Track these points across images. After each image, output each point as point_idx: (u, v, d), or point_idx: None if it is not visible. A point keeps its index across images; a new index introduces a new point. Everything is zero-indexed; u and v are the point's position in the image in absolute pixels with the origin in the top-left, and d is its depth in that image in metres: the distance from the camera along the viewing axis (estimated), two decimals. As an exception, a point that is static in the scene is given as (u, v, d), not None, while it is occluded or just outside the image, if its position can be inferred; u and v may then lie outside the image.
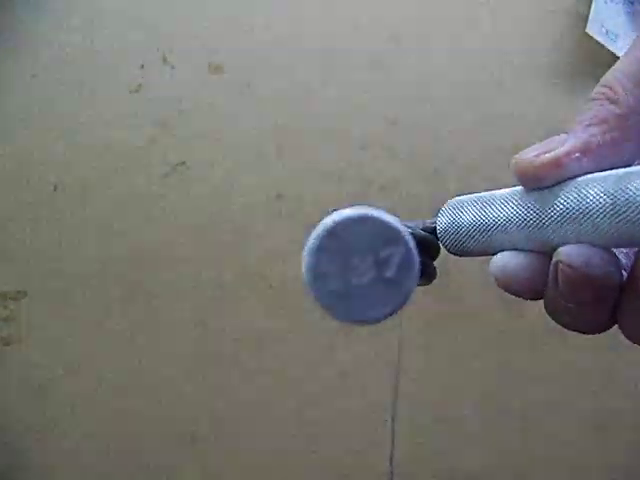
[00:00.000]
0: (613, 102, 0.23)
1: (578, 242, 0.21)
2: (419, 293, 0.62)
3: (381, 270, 0.17)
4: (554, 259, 0.22)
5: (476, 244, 0.25)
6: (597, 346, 0.64)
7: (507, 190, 0.25)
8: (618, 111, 0.23)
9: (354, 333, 0.66)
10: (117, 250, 0.68)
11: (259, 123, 0.66)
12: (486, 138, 0.65)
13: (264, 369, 0.67)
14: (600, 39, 0.60)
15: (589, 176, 0.21)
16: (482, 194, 0.26)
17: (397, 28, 0.66)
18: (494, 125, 0.64)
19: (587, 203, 0.20)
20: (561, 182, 0.22)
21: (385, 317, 0.17)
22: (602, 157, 0.22)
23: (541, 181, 0.23)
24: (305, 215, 0.66)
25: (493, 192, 0.26)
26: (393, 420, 0.67)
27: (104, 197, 0.68)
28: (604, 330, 0.24)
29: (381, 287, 0.17)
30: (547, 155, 0.23)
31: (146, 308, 0.68)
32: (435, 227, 0.28)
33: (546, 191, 0.23)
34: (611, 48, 0.60)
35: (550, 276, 0.23)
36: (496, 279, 0.25)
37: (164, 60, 0.67)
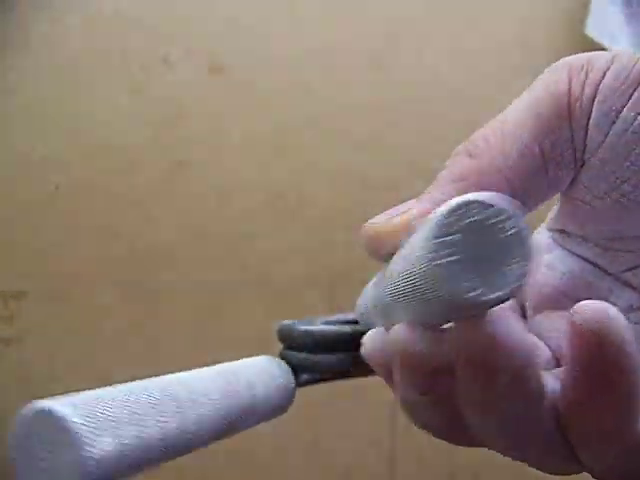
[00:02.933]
0: (473, 157, 0.21)
1: (410, 319, 0.19)
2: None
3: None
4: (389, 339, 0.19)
5: (379, 322, 0.23)
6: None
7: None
8: (476, 166, 0.20)
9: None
10: (117, 250, 0.68)
11: (259, 123, 0.66)
12: (486, 138, 0.65)
13: (264, 369, 0.67)
14: (599, 39, 0.60)
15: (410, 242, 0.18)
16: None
17: (397, 28, 0.66)
18: (494, 125, 0.64)
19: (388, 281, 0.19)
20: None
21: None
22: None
23: (382, 249, 0.20)
24: (305, 215, 0.66)
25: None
26: (393, 420, 0.67)
27: (104, 197, 0.68)
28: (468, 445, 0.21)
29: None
30: (397, 219, 0.20)
31: (146, 308, 0.68)
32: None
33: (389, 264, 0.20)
34: (610, 48, 0.60)
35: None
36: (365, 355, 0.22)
37: (164, 60, 0.67)
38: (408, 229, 0.19)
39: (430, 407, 0.20)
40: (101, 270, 0.68)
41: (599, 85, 0.18)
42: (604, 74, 0.18)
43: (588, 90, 0.18)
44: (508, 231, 0.15)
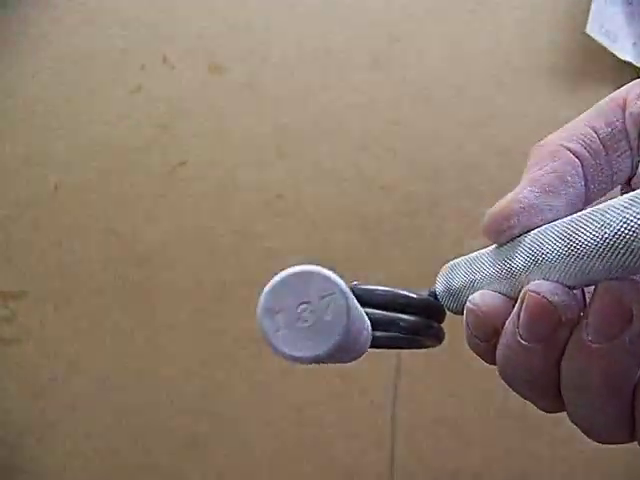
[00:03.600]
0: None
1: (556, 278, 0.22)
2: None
3: (320, 315, 0.20)
4: (522, 291, 0.23)
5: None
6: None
7: (488, 248, 0.26)
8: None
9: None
10: (117, 250, 0.68)
11: (259, 123, 0.66)
12: (486, 138, 0.65)
13: (264, 369, 0.67)
14: (600, 39, 0.60)
15: (543, 225, 0.23)
16: (469, 256, 0.28)
17: (397, 28, 0.66)
18: (494, 125, 0.64)
19: (545, 248, 0.22)
20: (522, 234, 0.23)
21: (315, 358, 0.20)
22: (547, 190, 0.23)
23: (499, 234, 0.23)
24: (305, 215, 0.66)
25: (478, 252, 0.27)
26: (393, 420, 0.67)
27: (104, 197, 0.68)
28: (552, 402, 0.25)
29: (317, 330, 0.20)
30: (495, 208, 0.23)
31: (146, 308, 0.68)
32: (435, 292, 0.30)
33: (513, 242, 0.24)
34: (610, 48, 0.60)
35: (515, 309, 0.23)
36: (468, 313, 0.26)
37: (164, 60, 0.67)
38: (507, 216, 0.22)
39: (536, 355, 0.23)
40: (101, 270, 0.68)
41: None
42: None
43: None
44: None
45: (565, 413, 0.25)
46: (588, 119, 0.23)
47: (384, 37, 0.66)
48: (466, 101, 0.65)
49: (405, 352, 0.67)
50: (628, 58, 0.60)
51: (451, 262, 0.29)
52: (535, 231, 0.23)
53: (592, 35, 0.60)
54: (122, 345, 0.68)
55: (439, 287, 0.30)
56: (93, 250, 0.68)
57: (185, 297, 0.67)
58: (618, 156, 0.23)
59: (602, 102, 0.23)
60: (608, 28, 0.60)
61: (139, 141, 0.67)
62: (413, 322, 0.29)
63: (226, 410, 0.68)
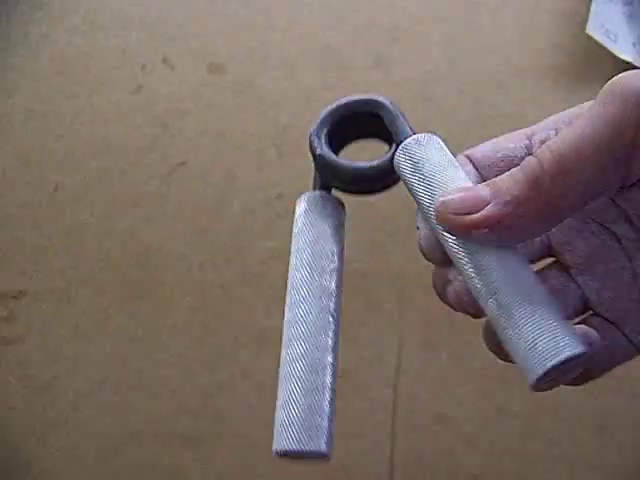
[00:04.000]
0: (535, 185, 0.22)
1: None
2: (419, 293, 0.62)
3: None
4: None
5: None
6: (597, 346, 0.64)
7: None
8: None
9: (354, 333, 0.66)
10: (117, 250, 0.68)
11: (259, 123, 0.66)
12: (486, 138, 0.65)
13: (264, 369, 0.67)
14: (600, 39, 0.60)
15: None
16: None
17: (397, 28, 0.66)
18: (494, 125, 0.64)
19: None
20: None
21: None
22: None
23: (468, 235, 0.23)
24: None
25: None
26: (393, 420, 0.67)
27: (104, 197, 0.68)
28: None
29: None
30: (474, 216, 0.22)
31: (146, 308, 0.68)
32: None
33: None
34: (611, 48, 0.60)
35: None
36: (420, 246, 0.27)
37: (164, 60, 0.67)
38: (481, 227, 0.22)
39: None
40: (101, 270, 0.68)
41: None
42: None
43: None
44: None
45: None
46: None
47: (384, 37, 0.66)
48: (466, 101, 0.65)
49: (405, 352, 0.66)
50: (628, 58, 0.60)
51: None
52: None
53: (592, 35, 0.60)
54: (122, 345, 0.68)
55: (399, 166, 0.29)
56: (93, 250, 0.68)
57: (185, 297, 0.67)
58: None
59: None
60: (608, 28, 0.60)
61: (139, 141, 0.67)
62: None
63: (226, 410, 0.68)
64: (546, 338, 0.21)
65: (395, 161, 0.28)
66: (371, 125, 0.29)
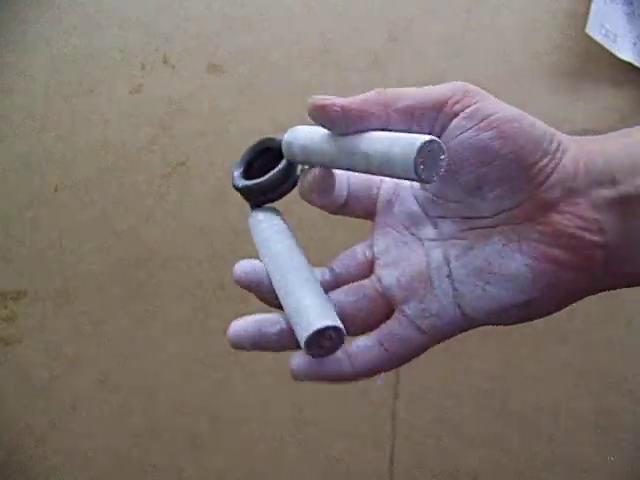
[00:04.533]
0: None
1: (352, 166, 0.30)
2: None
3: None
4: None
5: (302, 159, 0.34)
6: (597, 346, 0.64)
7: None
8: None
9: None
10: (117, 250, 0.68)
11: (259, 123, 0.66)
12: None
13: (264, 369, 0.67)
14: (600, 39, 0.60)
15: (373, 134, 0.30)
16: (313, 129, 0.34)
17: (397, 28, 0.66)
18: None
19: (369, 151, 0.29)
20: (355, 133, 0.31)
21: None
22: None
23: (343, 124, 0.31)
24: (304, 215, 0.66)
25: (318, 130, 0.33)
26: (393, 420, 0.67)
27: (104, 197, 0.68)
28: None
29: None
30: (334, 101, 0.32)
31: (146, 308, 0.68)
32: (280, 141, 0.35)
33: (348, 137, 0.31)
34: (610, 48, 0.60)
35: None
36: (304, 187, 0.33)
37: (164, 60, 0.67)
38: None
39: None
40: (101, 270, 0.68)
41: (458, 113, 0.29)
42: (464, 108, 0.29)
43: (456, 108, 0.30)
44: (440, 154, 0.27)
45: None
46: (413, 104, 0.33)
47: (383, 37, 0.66)
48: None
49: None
50: (628, 58, 0.60)
51: (299, 127, 0.36)
52: (367, 135, 0.31)
53: (592, 35, 0.60)
54: (122, 345, 0.68)
55: (285, 142, 0.36)
56: (93, 250, 0.68)
57: (185, 297, 0.67)
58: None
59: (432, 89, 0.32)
60: (608, 28, 0.60)
61: (139, 141, 0.67)
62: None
63: (226, 410, 0.68)
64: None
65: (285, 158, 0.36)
66: (274, 151, 0.37)
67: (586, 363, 0.65)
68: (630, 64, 0.60)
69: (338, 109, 0.31)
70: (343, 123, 0.31)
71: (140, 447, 0.69)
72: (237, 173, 0.38)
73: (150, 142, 0.67)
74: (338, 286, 0.32)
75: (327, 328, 0.27)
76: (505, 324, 0.30)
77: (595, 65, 0.63)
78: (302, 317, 0.28)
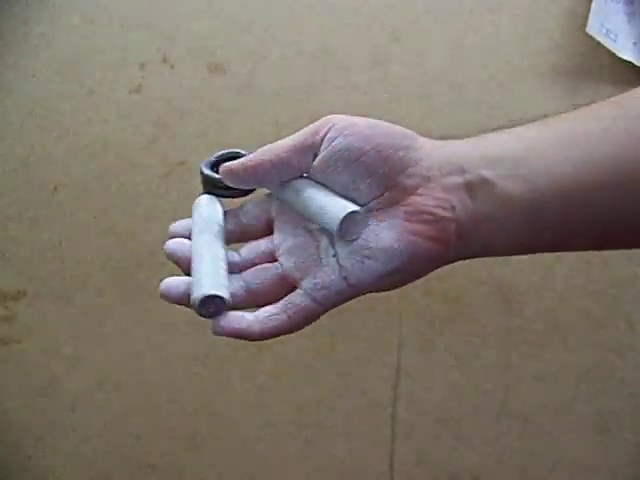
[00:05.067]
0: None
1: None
2: (419, 293, 0.62)
3: None
4: None
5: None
6: (597, 346, 0.64)
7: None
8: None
9: (354, 333, 0.66)
10: (117, 250, 0.68)
11: (259, 123, 0.66)
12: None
13: (264, 369, 0.67)
14: (600, 39, 0.60)
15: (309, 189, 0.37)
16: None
17: (397, 28, 0.66)
18: (494, 125, 0.64)
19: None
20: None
21: None
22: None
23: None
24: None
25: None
26: (393, 420, 0.67)
27: (104, 197, 0.68)
28: None
29: None
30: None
31: (146, 308, 0.68)
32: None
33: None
34: (611, 48, 0.60)
35: None
36: None
37: (164, 60, 0.67)
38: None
39: None
40: (101, 270, 0.68)
41: (325, 135, 0.37)
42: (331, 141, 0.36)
43: (326, 136, 0.37)
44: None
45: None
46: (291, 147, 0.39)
47: (384, 37, 0.66)
48: (466, 101, 0.65)
49: (405, 352, 0.67)
50: (629, 58, 0.60)
51: None
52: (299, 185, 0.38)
53: (592, 35, 0.60)
54: (122, 345, 0.68)
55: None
56: (93, 250, 0.68)
57: (185, 297, 0.67)
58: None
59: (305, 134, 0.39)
60: (608, 27, 0.60)
61: (139, 141, 0.67)
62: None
63: (226, 410, 0.68)
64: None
65: None
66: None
67: (586, 363, 0.65)
68: (630, 64, 0.60)
69: (239, 168, 0.39)
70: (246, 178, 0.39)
71: (140, 447, 0.69)
72: (207, 162, 0.44)
73: (150, 142, 0.67)
74: (244, 268, 0.39)
75: (211, 296, 0.35)
76: (384, 290, 0.36)
77: (595, 65, 0.63)
78: (196, 286, 0.36)
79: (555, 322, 0.64)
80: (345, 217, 0.34)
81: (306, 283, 0.36)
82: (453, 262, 0.36)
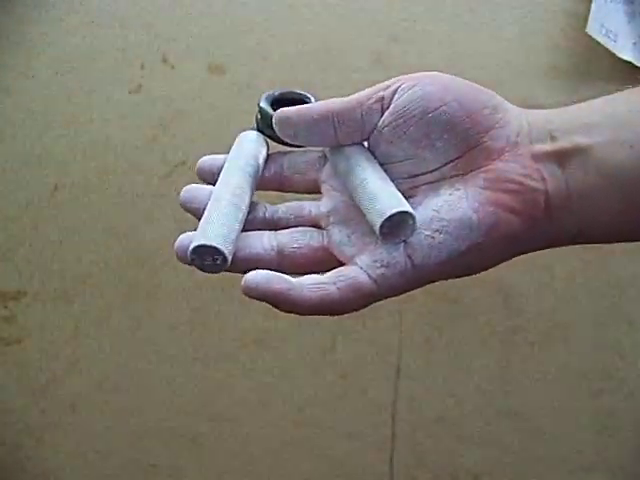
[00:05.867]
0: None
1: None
2: (419, 293, 0.62)
3: None
4: None
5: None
6: (597, 346, 0.64)
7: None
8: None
9: (354, 333, 0.66)
10: (117, 250, 0.68)
11: (259, 123, 0.66)
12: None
13: (264, 369, 0.67)
14: (600, 39, 0.60)
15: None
16: None
17: (397, 28, 0.66)
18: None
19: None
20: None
21: None
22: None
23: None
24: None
25: None
26: (393, 420, 0.67)
27: (104, 197, 0.68)
28: None
29: None
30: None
31: (146, 308, 0.68)
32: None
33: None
34: (611, 48, 0.60)
35: None
36: None
37: (164, 60, 0.67)
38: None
39: None
40: (101, 270, 0.68)
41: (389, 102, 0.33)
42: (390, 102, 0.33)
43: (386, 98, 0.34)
44: None
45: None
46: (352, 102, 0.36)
47: (384, 37, 0.66)
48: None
49: (405, 352, 0.67)
50: (629, 58, 0.60)
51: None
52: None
53: (592, 35, 0.60)
54: (122, 345, 0.68)
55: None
56: (93, 250, 0.68)
57: (185, 297, 0.67)
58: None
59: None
60: (608, 28, 0.60)
61: (139, 141, 0.67)
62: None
63: (226, 410, 0.68)
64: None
65: None
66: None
67: (586, 363, 0.65)
68: (630, 64, 0.60)
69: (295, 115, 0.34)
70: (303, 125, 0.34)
71: (140, 447, 0.69)
72: (268, 95, 0.40)
73: (150, 142, 0.67)
74: (280, 227, 0.34)
75: (210, 247, 0.32)
76: (449, 277, 0.31)
77: (595, 65, 0.63)
78: (200, 230, 0.33)
79: (555, 322, 0.64)
80: (394, 215, 0.29)
81: (363, 259, 0.30)
82: (539, 249, 0.31)
